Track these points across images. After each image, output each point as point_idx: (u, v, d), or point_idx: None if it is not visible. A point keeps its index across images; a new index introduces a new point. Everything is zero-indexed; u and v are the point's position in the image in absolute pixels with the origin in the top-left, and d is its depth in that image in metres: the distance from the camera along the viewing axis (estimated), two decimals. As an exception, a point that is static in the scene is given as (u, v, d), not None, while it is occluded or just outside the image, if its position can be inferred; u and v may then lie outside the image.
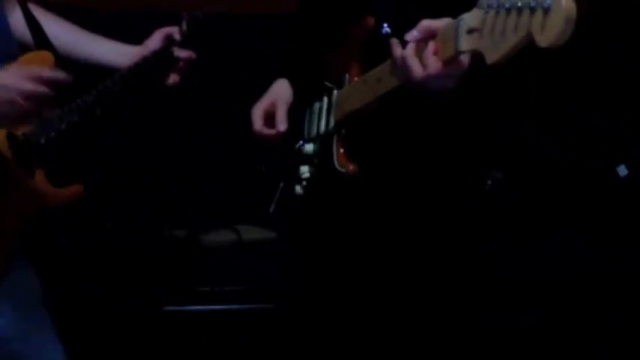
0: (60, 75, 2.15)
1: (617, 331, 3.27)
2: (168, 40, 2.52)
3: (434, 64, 1.72)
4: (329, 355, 2.30)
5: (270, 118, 2.29)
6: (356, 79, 2.09)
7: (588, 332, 3.28)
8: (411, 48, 1.80)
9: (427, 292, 2.17)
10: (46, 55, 2.31)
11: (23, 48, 2.35)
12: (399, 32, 1.97)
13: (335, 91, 2.17)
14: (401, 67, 1.81)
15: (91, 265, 3.53)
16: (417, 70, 1.76)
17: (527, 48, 1.47)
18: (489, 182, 3.29)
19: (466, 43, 1.59)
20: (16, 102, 2.06)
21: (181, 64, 2.53)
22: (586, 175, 3.39)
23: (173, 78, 2.53)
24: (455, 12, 1.67)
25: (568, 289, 3.31)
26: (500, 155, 3.36)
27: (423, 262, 2.16)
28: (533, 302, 3.33)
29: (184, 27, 2.54)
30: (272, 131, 2.27)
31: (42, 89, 2.09)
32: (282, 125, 2.25)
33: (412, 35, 1.78)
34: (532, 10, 1.40)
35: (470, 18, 1.58)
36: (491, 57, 1.50)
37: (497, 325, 3.08)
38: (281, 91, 2.33)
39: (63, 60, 2.35)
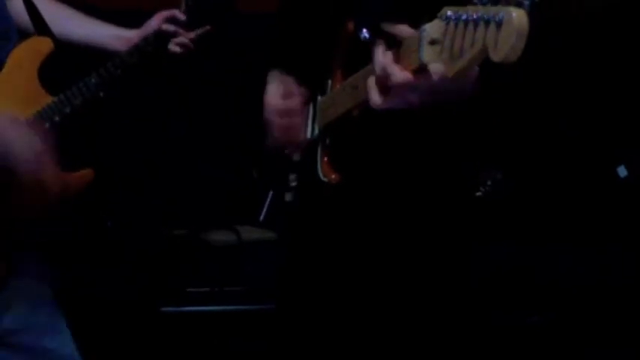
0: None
1: (619, 333, 3.25)
2: (174, 22, 2.53)
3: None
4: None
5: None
6: (338, 85, 2.08)
7: (590, 334, 3.27)
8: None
9: (423, 293, 2.16)
10: (46, 41, 2.33)
11: (23, 35, 2.37)
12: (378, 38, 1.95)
13: (319, 98, 2.16)
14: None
15: (89, 265, 3.55)
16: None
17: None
18: (489, 183, 3.28)
19: (428, 55, 1.56)
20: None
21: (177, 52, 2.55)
22: (586, 176, 3.37)
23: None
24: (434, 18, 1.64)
25: (568, 290, 3.30)
26: (500, 156, 3.34)
27: (418, 266, 2.15)
28: (532, 304, 3.32)
29: (183, 7, 2.55)
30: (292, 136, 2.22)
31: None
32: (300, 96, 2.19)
33: (388, 27, 1.75)
34: (487, 23, 1.37)
35: (431, 29, 1.55)
36: (450, 70, 1.48)
37: (494, 325, 3.08)
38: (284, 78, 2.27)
39: (62, 46, 2.37)
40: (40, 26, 2.36)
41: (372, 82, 1.74)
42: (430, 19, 1.66)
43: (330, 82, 2.12)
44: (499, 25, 1.34)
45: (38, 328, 2.30)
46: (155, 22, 2.57)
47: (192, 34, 2.60)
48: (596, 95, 3.34)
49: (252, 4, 3.62)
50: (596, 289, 3.30)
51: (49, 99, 2.34)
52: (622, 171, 3.26)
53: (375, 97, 1.73)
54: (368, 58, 1.87)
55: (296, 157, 2.25)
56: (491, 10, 1.36)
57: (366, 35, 2.04)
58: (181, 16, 2.54)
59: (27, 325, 2.28)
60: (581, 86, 3.32)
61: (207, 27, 2.57)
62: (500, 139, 3.26)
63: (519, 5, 1.36)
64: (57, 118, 2.33)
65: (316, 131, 2.15)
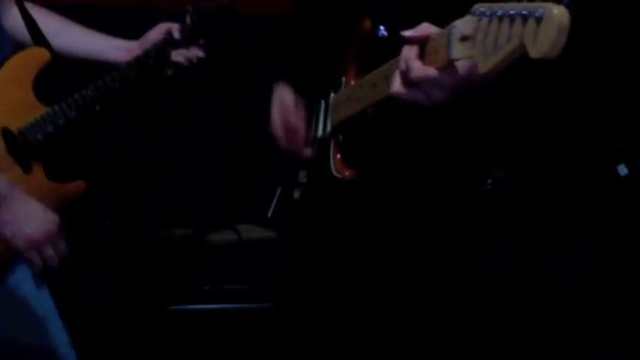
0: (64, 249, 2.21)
1: (621, 334, 3.26)
2: (166, 39, 2.52)
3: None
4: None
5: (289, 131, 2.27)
6: (352, 82, 2.06)
7: (592, 334, 3.28)
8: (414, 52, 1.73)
9: (425, 293, 2.16)
10: (42, 52, 2.31)
11: (21, 47, 2.35)
12: (396, 35, 1.94)
13: (332, 95, 2.15)
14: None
15: (90, 265, 3.52)
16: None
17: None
18: (490, 181, 3.28)
19: (458, 51, 1.54)
20: (18, 240, 2.13)
21: (181, 63, 2.54)
22: (587, 175, 3.37)
23: (170, 72, 2.56)
24: (451, 15, 1.62)
25: (569, 291, 3.30)
26: (501, 154, 3.35)
27: (420, 267, 2.15)
28: (534, 304, 3.33)
29: (188, 20, 2.53)
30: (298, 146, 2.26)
31: (47, 252, 2.17)
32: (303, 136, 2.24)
33: (408, 32, 1.72)
34: (524, 19, 1.35)
35: (462, 25, 1.53)
36: (483, 66, 1.46)
37: (496, 325, 3.08)
38: (290, 99, 2.29)
39: (59, 57, 2.35)
40: (38, 37, 2.34)
41: (396, 73, 1.72)
42: (445, 16, 1.66)
43: (343, 79, 2.11)
44: (538, 21, 1.32)
45: (31, 328, 2.29)
46: (155, 35, 2.55)
47: (195, 48, 2.58)
48: (596, 95, 3.35)
49: (252, 5, 3.61)
50: (598, 290, 3.30)
51: (43, 110, 2.32)
52: (622, 170, 3.26)
53: (397, 87, 1.71)
54: (384, 55, 1.87)
55: (306, 153, 2.24)
56: (529, 6, 1.35)
57: (384, 32, 2.04)
58: (176, 35, 2.53)
59: (20, 326, 2.27)
60: (581, 85, 3.33)
61: (193, 57, 2.56)
62: (502, 138, 3.27)
63: (558, 2, 1.34)
64: (50, 129, 2.31)
65: (328, 128, 2.14)
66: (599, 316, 3.28)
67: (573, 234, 3.41)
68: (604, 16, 3.01)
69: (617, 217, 3.37)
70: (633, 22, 3.20)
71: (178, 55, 2.54)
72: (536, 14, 1.32)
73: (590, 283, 3.32)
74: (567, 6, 1.35)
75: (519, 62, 1.44)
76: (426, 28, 1.70)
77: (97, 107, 2.37)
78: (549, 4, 1.31)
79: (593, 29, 2.87)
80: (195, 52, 2.55)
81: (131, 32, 2.64)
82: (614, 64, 3.28)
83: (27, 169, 2.27)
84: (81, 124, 2.34)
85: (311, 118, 2.25)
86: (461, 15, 1.57)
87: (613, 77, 3.31)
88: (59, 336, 2.35)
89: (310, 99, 2.26)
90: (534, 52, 1.34)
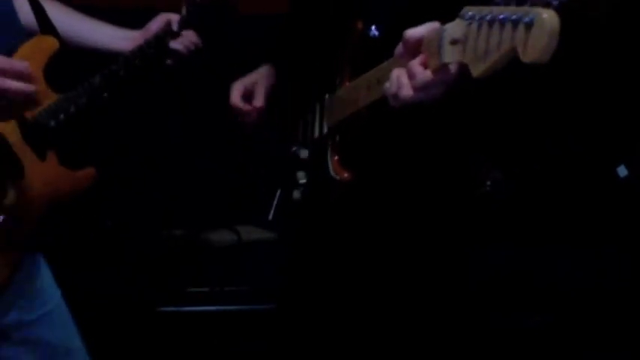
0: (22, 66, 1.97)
1: (617, 336, 3.26)
2: (166, 30, 2.55)
3: (422, 75, 1.69)
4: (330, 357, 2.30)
5: (249, 96, 2.35)
6: (347, 83, 2.07)
7: (588, 336, 3.27)
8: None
9: (422, 295, 2.17)
10: (51, 40, 2.33)
11: (27, 34, 2.36)
12: (388, 35, 1.95)
13: (327, 95, 2.16)
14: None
15: (89, 265, 3.53)
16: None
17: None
18: (489, 183, 3.29)
19: (449, 55, 1.55)
20: None
21: (180, 51, 2.57)
22: (585, 177, 3.37)
23: (170, 62, 2.59)
24: (441, 14, 1.64)
25: (566, 293, 3.30)
26: (500, 155, 3.35)
27: (418, 266, 2.16)
28: (530, 306, 3.33)
29: (184, 12, 2.56)
30: (248, 106, 2.34)
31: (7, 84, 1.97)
32: (259, 101, 2.33)
33: (398, 51, 1.75)
34: (514, 24, 1.35)
35: (452, 29, 1.54)
36: (475, 70, 1.46)
37: (492, 327, 3.09)
38: (264, 72, 2.38)
39: (67, 45, 2.37)
40: (46, 26, 2.35)
41: (404, 78, 1.72)
42: (436, 17, 1.67)
43: (338, 80, 2.12)
44: (529, 26, 1.32)
45: (44, 323, 2.30)
46: (156, 25, 2.58)
47: (192, 36, 2.61)
48: (595, 97, 3.35)
49: (251, 5, 3.62)
50: (595, 292, 3.30)
51: (54, 97, 2.34)
52: (622, 170, 3.25)
53: (405, 93, 1.71)
54: (377, 55, 1.88)
55: (303, 154, 2.25)
56: (518, 11, 1.35)
57: (375, 33, 2.05)
58: (174, 27, 2.56)
59: (32, 321, 2.28)
60: (580, 87, 3.32)
61: (191, 45, 2.59)
62: (500, 140, 3.27)
63: (547, 5, 1.34)
64: (62, 117, 2.33)
65: (325, 129, 2.15)
66: (595, 318, 3.27)
67: (570, 236, 3.40)
68: (596, 17, 3.01)
69: (614, 219, 3.37)
70: (628, 22, 3.19)
71: (176, 44, 2.57)
72: (526, 19, 1.32)
73: (587, 285, 3.32)
74: (557, 9, 1.35)
75: (513, 64, 1.45)
76: (411, 39, 1.71)
77: (105, 94, 2.39)
78: (539, 9, 1.31)
79: (587, 31, 2.87)
80: (190, 38, 2.58)
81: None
82: (613, 64, 3.27)
83: (42, 156, 2.29)
84: (90, 111, 2.36)
85: (307, 120, 2.26)
86: (452, 15, 1.57)
87: (611, 78, 3.30)
88: (70, 331, 2.37)
89: (306, 100, 2.27)
90: (526, 57, 1.34)
